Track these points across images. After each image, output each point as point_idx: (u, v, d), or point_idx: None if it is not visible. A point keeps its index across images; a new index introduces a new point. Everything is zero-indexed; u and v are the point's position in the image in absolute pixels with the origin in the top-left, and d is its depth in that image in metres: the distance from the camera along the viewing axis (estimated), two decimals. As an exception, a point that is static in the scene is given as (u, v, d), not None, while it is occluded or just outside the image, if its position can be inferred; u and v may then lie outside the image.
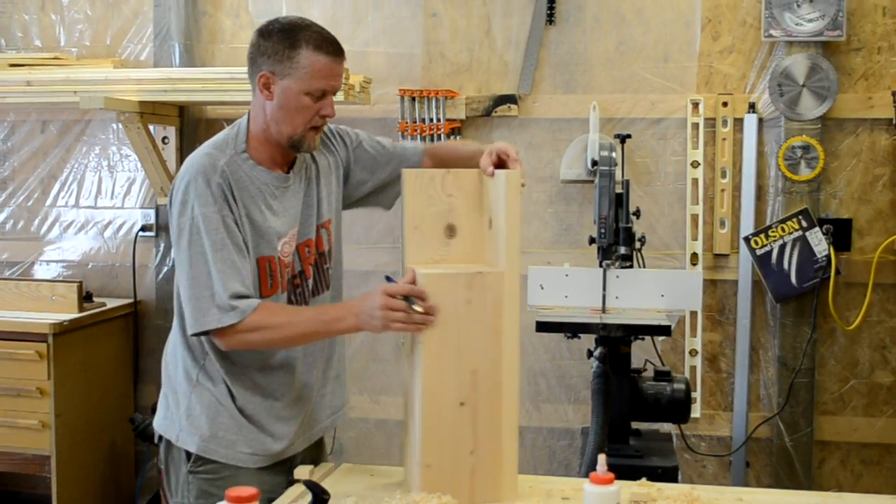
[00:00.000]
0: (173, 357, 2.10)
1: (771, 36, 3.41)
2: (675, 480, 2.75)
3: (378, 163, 2.23)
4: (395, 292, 1.83)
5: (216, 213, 1.92)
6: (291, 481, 1.97)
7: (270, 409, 2.05)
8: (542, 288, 3.02)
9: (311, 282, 2.10)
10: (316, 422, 2.18)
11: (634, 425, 3.00)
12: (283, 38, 1.95)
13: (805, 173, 3.44)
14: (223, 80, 3.52)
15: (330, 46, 1.96)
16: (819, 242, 3.41)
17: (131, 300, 3.90)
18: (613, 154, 3.05)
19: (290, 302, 2.07)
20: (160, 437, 2.12)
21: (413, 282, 1.86)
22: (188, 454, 2.05)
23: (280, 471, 2.07)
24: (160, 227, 3.89)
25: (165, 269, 3.88)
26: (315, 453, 2.22)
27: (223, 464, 2.03)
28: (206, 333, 1.93)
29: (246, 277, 1.93)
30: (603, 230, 2.95)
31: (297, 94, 1.95)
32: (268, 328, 1.92)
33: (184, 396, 2.06)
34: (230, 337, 1.92)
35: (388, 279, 1.92)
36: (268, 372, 2.05)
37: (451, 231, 1.97)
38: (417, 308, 1.80)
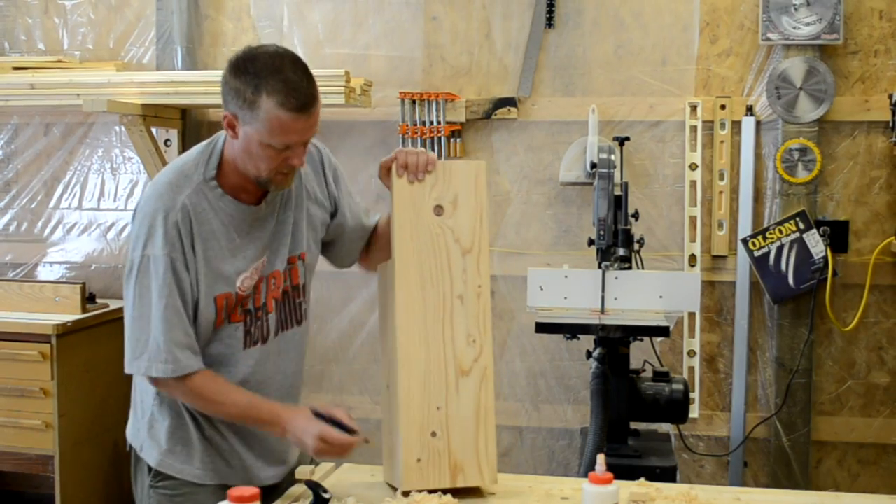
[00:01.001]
0: None
1: (768, 39, 3.43)
2: (673, 480, 2.77)
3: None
4: (329, 439, 1.83)
5: (166, 255, 1.84)
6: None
7: (228, 430, 2.00)
8: (542, 289, 3.03)
9: (273, 316, 2.00)
10: (280, 451, 2.11)
11: (633, 425, 3.02)
12: (248, 83, 1.78)
13: (802, 175, 3.46)
14: (225, 83, 3.56)
15: (294, 101, 1.77)
16: (816, 244, 3.43)
17: (134, 301, 3.92)
18: (612, 156, 3.07)
19: (247, 335, 1.98)
20: (130, 446, 2.08)
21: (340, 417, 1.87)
22: (149, 467, 2.01)
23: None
24: (163, 229, 3.92)
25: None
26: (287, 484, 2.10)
27: (182, 480, 1.99)
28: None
29: (188, 326, 1.88)
30: (602, 232, 2.97)
31: (259, 144, 1.81)
32: (198, 396, 1.89)
33: (147, 408, 2.02)
34: (159, 382, 1.90)
35: (318, 415, 1.88)
36: None
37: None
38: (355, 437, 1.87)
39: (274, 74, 1.78)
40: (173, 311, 1.85)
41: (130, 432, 2.07)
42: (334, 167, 2.12)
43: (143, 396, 2.04)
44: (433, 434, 1.88)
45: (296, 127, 1.80)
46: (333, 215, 2.11)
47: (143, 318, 1.85)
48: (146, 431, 2.01)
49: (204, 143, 1.98)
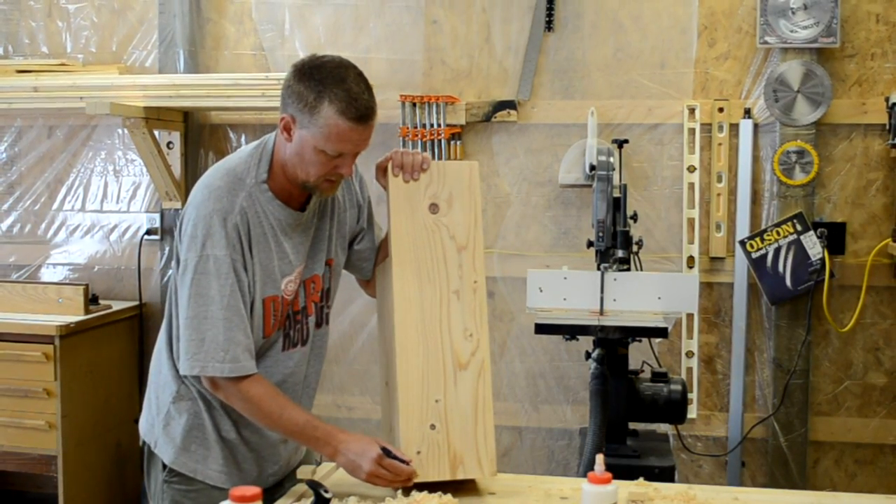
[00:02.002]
0: (157, 364, 2.07)
1: (766, 43, 3.45)
2: (671, 480, 2.78)
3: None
4: (388, 465, 1.84)
5: (227, 256, 1.86)
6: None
7: (244, 432, 2.03)
8: (541, 291, 3.04)
9: (312, 318, 2.07)
10: (287, 457, 2.15)
11: (632, 426, 3.03)
12: (311, 88, 1.83)
13: (800, 178, 3.48)
14: (227, 86, 3.55)
15: (354, 111, 1.82)
16: (813, 246, 3.45)
17: (136, 302, 3.93)
18: (611, 159, 3.07)
19: (286, 337, 2.02)
20: (143, 441, 2.10)
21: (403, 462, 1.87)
22: (163, 463, 2.03)
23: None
24: (165, 231, 3.92)
25: (170, 271, 3.86)
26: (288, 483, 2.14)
27: (195, 478, 2.01)
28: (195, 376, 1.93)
29: (248, 327, 1.90)
30: (601, 234, 2.97)
31: (313, 149, 1.86)
32: (256, 406, 1.90)
33: (164, 405, 2.03)
34: (217, 385, 1.91)
35: (386, 452, 1.89)
36: None
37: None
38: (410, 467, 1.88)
39: (338, 84, 1.83)
40: (235, 311, 1.87)
41: (144, 428, 2.09)
42: (360, 174, 2.17)
43: (158, 393, 2.05)
44: (432, 426, 1.90)
45: (352, 136, 1.85)
46: (358, 220, 2.16)
47: (201, 318, 1.86)
48: (161, 428, 2.03)
49: (252, 145, 2.01)
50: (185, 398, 2.01)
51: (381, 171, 2.02)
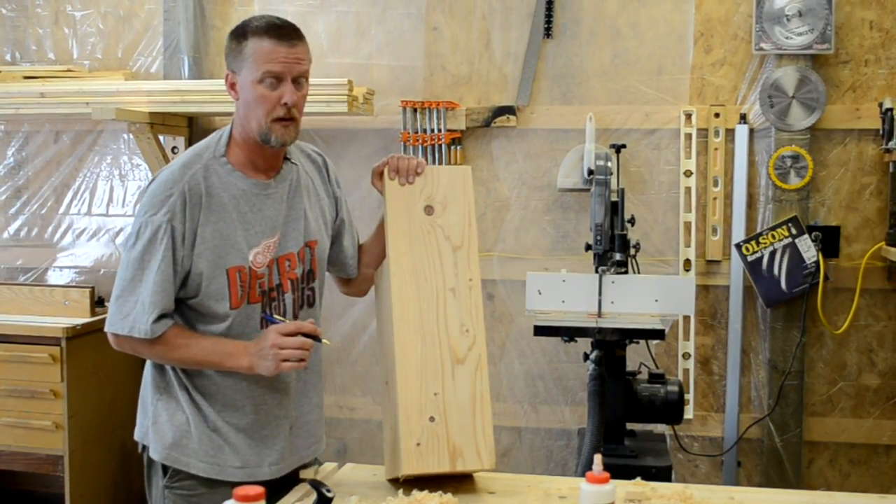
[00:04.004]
0: (146, 365, 2.11)
1: (761, 49, 3.48)
2: (668, 480, 2.81)
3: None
4: (286, 331, 1.89)
5: (167, 221, 1.91)
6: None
7: (230, 418, 2.03)
8: (540, 293, 3.07)
9: (289, 296, 2.06)
10: (293, 448, 2.12)
11: (629, 426, 3.06)
12: (235, 34, 1.95)
13: (794, 182, 3.51)
14: (231, 91, 3.61)
15: (276, 31, 1.91)
16: (808, 249, 3.48)
17: (142, 305, 3.97)
18: (609, 163, 3.09)
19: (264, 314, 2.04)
20: (141, 447, 2.10)
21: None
22: (164, 467, 2.03)
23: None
24: (170, 234, 3.96)
25: (175, 274, 3.95)
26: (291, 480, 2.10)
27: (198, 479, 2.01)
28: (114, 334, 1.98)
29: (173, 294, 1.95)
30: (599, 237, 2.99)
31: (252, 85, 1.92)
32: (166, 348, 1.95)
33: (151, 405, 2.06)
34: (133, 345, 1.97)
35: (271, 319, 1.95)
36: (226, 377, 2.02)
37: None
38: (325, 342, 1.93)
39: (257, 19, 1.95)
40: (165, 276, 1.92)
41: (138, 432, 2.11)
42: (335, 173, 2.23)
43: (145, 393, 2.09)
44: (431, 419, 1.94)
45: (278, 55, 1.91)
46: (337, 213, 2.22)
47: (136, 281, 1.93)
48: (151, 427, 2.05)
49: (213, 133, 2.08)
50: (169, 394, 2.04)
51: (378, 175, 2.09)
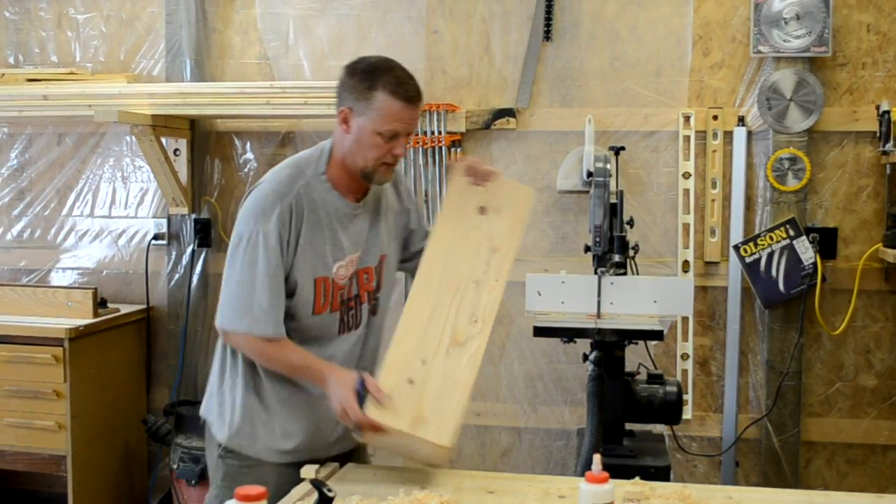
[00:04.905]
0: (218, 348, 2.25)
1: (759, 52, 3.50)
2: (667, 479, 2.80)
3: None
4: (349, 411, 1.97)
5: (276, 232, 2.05)
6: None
7: (295, 415, 2.17)
8: (540, 294, 3.07)
9: (366, 306, 2.22)
10: (337, 439, 2.23)
11: (628, 426, 3.04)
12: (363, 79, 2.05)
13: (792, 184, 3.53)
14: (233, 94, 3.62)
15: (405, 92, 2.04)
16: (806, 250, 3.50)
17: (144, 306, 3.98)
18: (608, 165, 3.09)
19: (341, 322, 2.18)
20: (204, 420, 2.28)
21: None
22: (218, 442, 2.22)
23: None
24: (172, 236, 3.98)
25: (177, 276, 3.97)
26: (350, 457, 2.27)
27: (246, 455, 2.18)
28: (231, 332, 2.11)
29: (284, 298, 2.09)
30: (598, 239, 2.99)
31: (370, 133, 2.05)
32: (277, 348, 2.09)
33: (216, 388, 2.23)
34: (245, 342, 2.10)
35: (361, 385, 2.00)
36: (292, 388, 2.17)
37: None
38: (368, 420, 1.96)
39: (387, 72, 2.06)
40: (277, 281, 2.07)
41: (204, 407, 2.28)
42: (406, 185, 2.39)
43: (215, 378, 2.24)
44: (410, 381, 2.00)
45: (403, 116, 2.06)
46: (408, 224, 2.37)
47: (249, 285, 2.06)
48: (216, 410, 2.22)
49: (313, 147, 2.21)
50: (234, 382, 2.18)
51: (452, 169, 2.30)
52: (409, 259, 2.38)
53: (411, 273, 2.34)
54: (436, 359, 2.03)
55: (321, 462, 2.11)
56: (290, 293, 2.10)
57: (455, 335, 2.06)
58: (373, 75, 2.05)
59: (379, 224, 2.23)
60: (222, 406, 2.21)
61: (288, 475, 2.10)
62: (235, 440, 2.19)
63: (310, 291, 2.11)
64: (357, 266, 2.18)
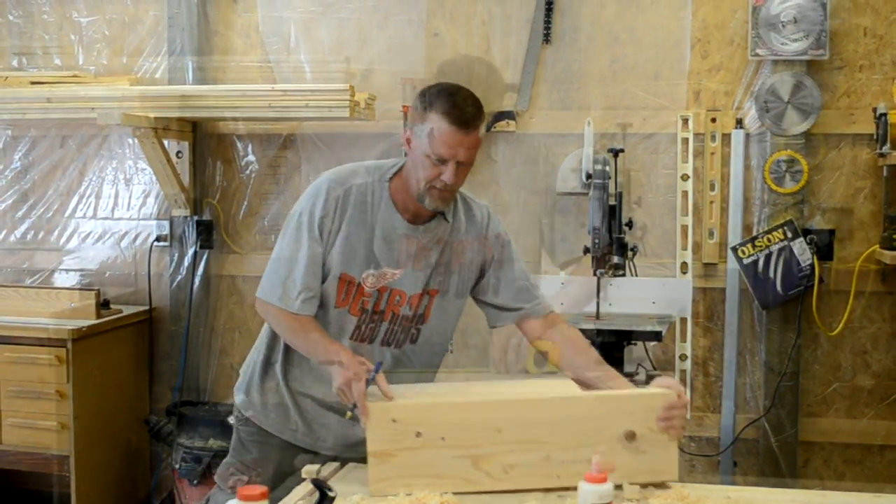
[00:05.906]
0: (262, 332, 2.32)
1: (757, 55, 3.51)
2: (665, 478, 2.84)
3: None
4: (349, 389, 1.93)
5: (321, 218, 2.10)
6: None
7: (312, 403, 2.22)
8: (539, 296, 3.12)
9: (385, 325, 2.17)
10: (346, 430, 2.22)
11: (627, 426, 3.10)
12: (424, 101, 2.04)
13: (790, 186, 3.55)
14: (234, 96, 3.62)
15: (457, 116, 1.99)
16: (803, 252, 3.51)
17: (146, 307, 4.00)
18: (607, 168, 3.13)
19: (357, 329, 2.18)
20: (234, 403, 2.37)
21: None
22: (237, 407, 2.31)
23: (313, 458, 2.18)
24: (174, 238, 3.99)
25: (179, 277, 3.98)
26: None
27: (261, 430, 2.26)
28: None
29: (319, 279, 2.13)
30: (597, 240, 3.03)
31: (422, 155, 2.04)
32: (301, 325, 2.12)
33: (251, 358, 2.32)
34: (275, 313, 2.14)
35: (373, 376, 1.96)
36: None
37: None
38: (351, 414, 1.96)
39: (448, 96, 2.03)
40: (316, 262, 2.11)
41: (239, 385, 2.34)
42: (499, 233, 2.28)
43: (251, 353, 2.32)
44: (418, 434, 1.95)
45: (452, 141, 2.00)
46: (484, 272, 2.26)
47: (289, 260, 2.12)
48: (244, 391, 2.30)
49: (397, 158, 2.23)
50: (270, 375, 2.25)
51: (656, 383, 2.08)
52: (479, 305, 2.30)
53: (490, 319, 2.29)
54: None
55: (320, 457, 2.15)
56: (323, 279, 2.14)
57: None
58: (433, 97, 2.03)
59: (432, 258, 2.16)
60: (252, 377, 2.27)
61: (296, 457, 2.18)
62: (248, 404, 2.27)
63: (334, 286, 2.13)
64: (391, 284, 2.15)
